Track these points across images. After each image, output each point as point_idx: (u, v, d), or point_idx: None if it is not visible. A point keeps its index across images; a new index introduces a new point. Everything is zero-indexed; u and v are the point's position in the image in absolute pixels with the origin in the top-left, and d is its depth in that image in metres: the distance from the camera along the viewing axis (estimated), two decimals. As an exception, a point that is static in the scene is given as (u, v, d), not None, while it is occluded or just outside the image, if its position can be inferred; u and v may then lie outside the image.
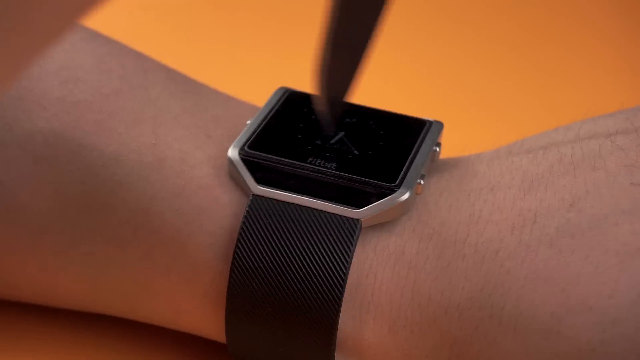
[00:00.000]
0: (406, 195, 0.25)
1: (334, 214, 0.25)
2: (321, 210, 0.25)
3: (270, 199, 0.26)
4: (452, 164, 0.28)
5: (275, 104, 0.28)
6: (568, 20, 0.45)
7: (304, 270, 0.25)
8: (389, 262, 0.25)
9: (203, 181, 0.26)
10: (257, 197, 0.26)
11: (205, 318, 0.27)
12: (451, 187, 0.27)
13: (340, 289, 0.25)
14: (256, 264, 0.25)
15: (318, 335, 0.25)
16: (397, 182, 0.26)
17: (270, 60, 0.43)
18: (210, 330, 0.27)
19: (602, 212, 0.24)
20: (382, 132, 0.28)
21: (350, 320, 0.26)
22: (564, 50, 0.44)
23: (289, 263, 0.25)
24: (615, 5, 0.46)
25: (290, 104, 0.29)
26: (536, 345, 0.24)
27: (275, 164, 0.26)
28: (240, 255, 0.25)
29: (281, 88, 0.29)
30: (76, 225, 0.27)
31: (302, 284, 0.25)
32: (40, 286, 0.28)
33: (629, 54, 0.43)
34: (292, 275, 0.25)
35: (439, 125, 0.28)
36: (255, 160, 0.26)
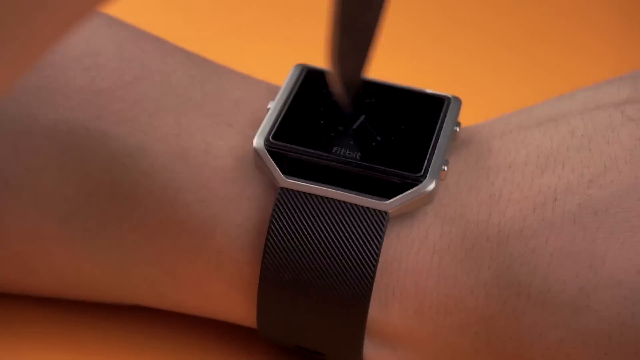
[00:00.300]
0: (432, 185, 0.26)
1: (362, 207, 0.26)
2: (349, 203, 0.26)
3: (298, 191, 0.26)
4: (467, 139, 0.28)
5: (294, 85, 0.28)
6: (568, 20, 0.46)
7: (334, 262, 0.25)
8: (413, 248, 0.26)
9: (228, 173, 0.27)
10: (285, 190, 0.26)
11: (232, 305, 0.27)
12: (469, 167, 0.27)
13: (370, 279, 0.25)
14: (287, 256, 0.26)
15: (349, 322, 0.26)
16: (422, 171, 0.26)
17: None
18: (237, 315, 0.28)
19: (623, 187, 0.25)
20: (402, 114, 0.28)
21: (376, 306, 0.26)
22: (564, 50, 0.44)
23: (320, 255, 0.25)
24: (615, 5, 0.46)
25: (310, 84, 0.28)
26: (565, 319, 0.25)
27: (301, 155, 0.26)
28: (272, 247, 0.26)
29: (298, 65, 0.29)
30: (103, 212, 0.27)
31: (334, 275, 0.25)
32: (62, 272, 0.28)
33: (629, 54, 0.43)
34: (323, 267, 0.25)
35: (458, 102, 0.28)
36: (281, 151, 0.26)
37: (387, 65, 0.41)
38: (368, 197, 0.26)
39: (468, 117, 0.30)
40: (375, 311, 0.26)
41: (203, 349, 0.29)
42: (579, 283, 0.24)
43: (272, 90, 0.29)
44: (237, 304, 0.27)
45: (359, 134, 0.27)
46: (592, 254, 0.24)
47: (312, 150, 0.26)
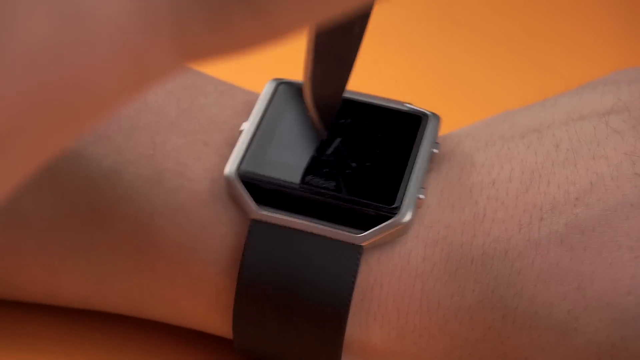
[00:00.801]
0: (408, 217, 0.25)
1: (336, 240, 0.25)
2: (323, 236, 0.25)
3: (270, 224, 0.25)
4: (449, 151, 0.27)
5: (268, 105, 0.28)
6: (567, 19, 0.45)
7: (308, 294, 0.25)
8: (395, 273, 0.25)
9: (203, 197, 0.26)
10: (257, 222, 0.25)
11: (211, 323, 0.27)
12: (452, 182, 0.26)
13: (345, 312, 0.25)
14: (261, 287, 0.25)
15: (324, 345, 0.26)
16: (397, 203, 0.25)
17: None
18: (216, 331, 0.28)
19: (610, 205, 0.24)
20: (378, 135, 0.27)
21: (356, 329, 0.26)
22: (563, 49, 0.43)
23: (294, 287, 0.25)
24: (615, 4, 0.46)
25: (284, 102, 0.28)
26: (552, 342, 0.24)
27: (274, 185, 0.26)
28: (246, 278, 0.25)
29: (273, 81, 0.28)
30: (80, 233, 0.27)
31: (308, 306, 0.25)
32: (44, 288, 0.28)
33: (630, 53, 0.43)
34: (297, 299, 0.25)
35: (436, 119, 0.27)
36: (253, 181, 0.26)
37: (384, 65, 0.41)
38: (342, 230, 0.25)
39: (466, 118, 0.30)
40: (356, 333, 0.26)
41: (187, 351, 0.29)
42: (566, 305, 0.24)
43: (250, 102, 0.28)
44: (215, 322, 0.27)
45: (333, 160, 0.26)
46: (580, 275, 0.24)
47: (284, 181, 0.26)
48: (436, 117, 0.28)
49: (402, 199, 0.25)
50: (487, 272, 0.25)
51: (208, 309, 0.27)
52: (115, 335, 0.29)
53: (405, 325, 0.25)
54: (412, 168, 0.26)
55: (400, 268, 0.25)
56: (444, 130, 0.28)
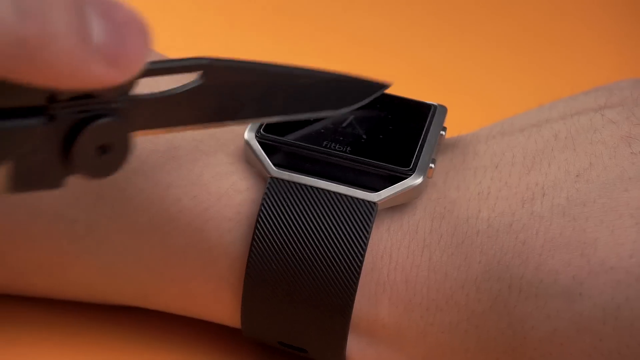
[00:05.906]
0: (420, 180, 0.26)
1: (351, 197, 0.26)
2: (338, 193, 0.26)
3: (288, 181, 0.26)
4: (451, 143, 0.29)
5: None
6: (569, 21, 0.46)
7: (321, 252, 0.26)
8: (404, 242, 0.26)
9: (219, 168, 0.27)
10: (275, 180, 0.26)
11: (219, 302, 0.27)
12: (456, 167, 0.27)
13: (357, 270, 0.26)
14: (274, 246, 0.26)
15: (333, 316, 0.26)
16: (411, 166, 0.26)
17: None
18: (223, 314, 0.28)
19: (610, 179, 0.25)
20: (390, 116, 0.28)
21: (365, 302, 0.26)
22: (565, 51, 0.44)
23: (307, 245, 0.26)
24: (616, 6, 0.46)
25: None
26: (558, 309, 0.25)
27: (291, 147, 0.27)
28: (260, 236, 0.26)
29: None
30: (91, 212, 0.27)
31: (320, 265, 0.26)
32: (51, 274, 0.28)
33: (631, 54, 0.43)
34: (310, 257, 0.26)
35: (443, 109, 0.29)
36: (272, 143, 0.27)
37: (385, 68, 0.41)
38: (357, 189, 0.26)
39: (466, 120, 0.31)
40: (364, 307, 0.26)
41: (189, 349, 0.29)
42: (571, 272, 0.25)
43: None
44: (224, 302, 0.27)
45: (348, 131, 0.28)
46: (583, 243, 0.25)
47: (302, 143, 0.27)
48: (443, 107, 0.29)
49: (415, 163, 0.27)
50: (493, 243, 0.25)
51: (218, 286, 0.27)
52: (115, 335, 0.29)
53: (413, 298, 0.26)
54: (423, 142, 0.27)
55: (408, 237, 0.26)
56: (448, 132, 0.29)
